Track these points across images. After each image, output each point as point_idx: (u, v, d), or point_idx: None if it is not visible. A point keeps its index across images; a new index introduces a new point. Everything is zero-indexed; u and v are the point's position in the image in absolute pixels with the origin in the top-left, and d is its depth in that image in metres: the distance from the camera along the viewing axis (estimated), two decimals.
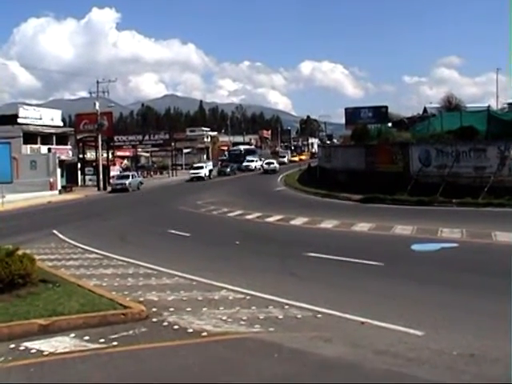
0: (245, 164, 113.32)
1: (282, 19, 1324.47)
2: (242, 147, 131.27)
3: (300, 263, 20.75)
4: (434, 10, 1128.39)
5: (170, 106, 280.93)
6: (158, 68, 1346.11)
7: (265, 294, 15.35)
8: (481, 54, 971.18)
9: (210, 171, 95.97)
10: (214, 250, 25.22)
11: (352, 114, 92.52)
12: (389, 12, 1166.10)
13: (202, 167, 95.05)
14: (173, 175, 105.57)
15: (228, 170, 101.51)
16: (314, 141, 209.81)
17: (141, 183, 79.72)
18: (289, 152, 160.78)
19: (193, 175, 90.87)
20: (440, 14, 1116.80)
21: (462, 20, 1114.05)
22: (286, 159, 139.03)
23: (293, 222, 33.93)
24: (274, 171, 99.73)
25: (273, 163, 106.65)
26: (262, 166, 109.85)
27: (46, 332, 12.09)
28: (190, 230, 32.09)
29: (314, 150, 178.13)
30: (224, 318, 13.09)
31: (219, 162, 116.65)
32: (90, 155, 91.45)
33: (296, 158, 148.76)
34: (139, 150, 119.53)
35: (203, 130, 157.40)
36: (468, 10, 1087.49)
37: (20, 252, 15.47)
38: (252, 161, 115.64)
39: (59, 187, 75.02)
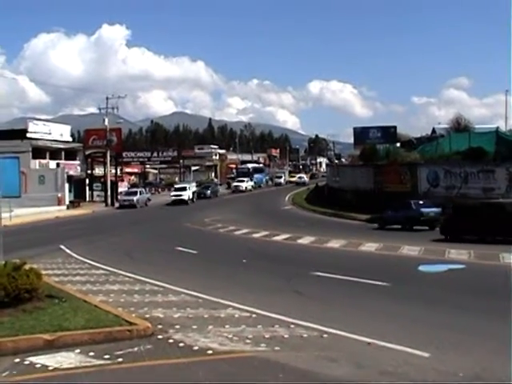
0: (235, 184, 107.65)
1: (291, 38, 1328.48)
2: (250, 165, 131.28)
3: (306, 282, 20.72)
4: (443, 31, 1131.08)
5: (178, 123, 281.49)
6: (167, 85, 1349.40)
7: (271, 312, 15.30)
8: (490, 76, 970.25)
9: (194, 193, 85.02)
10: (220, 268, 25.21)
11: (361, 133, 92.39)
12: (398, 32, 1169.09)
13: (185, 188, 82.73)
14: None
15: (208, 191, 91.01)
16: (323, 160, 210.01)
17: (148, 200, 79.81)
18: (286, 172, 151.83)
19: (174, 198, 78.96)
20: (449, 34, 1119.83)
21: (470, 41, 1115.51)
22: (282, 180, 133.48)
23: (300, 241, 33.95)
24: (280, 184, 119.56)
25: (281, 177, 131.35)
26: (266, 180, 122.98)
27: (51, 347, 12.06)
28: (196, 247, 32.09)
29: (314, 171, 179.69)
30: (230, 336, 13.04)
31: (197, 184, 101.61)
32: (98, 171, 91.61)
33: (294, 179, 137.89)
34: (147, 166, 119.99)
35: (212, 148, 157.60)
36: (477, 32, 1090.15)
37: (27, 266, 15.47)
38: (243, 181, 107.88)
39: (67, 202, 75.22)
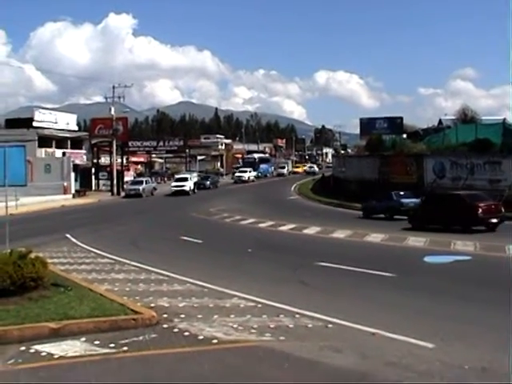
0: (237, 174, 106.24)
1: (297, 28, 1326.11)
2: (256, 155, 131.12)
3: (312, 272, 20.73)
4: (449, 22, 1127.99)
5: (184, 112, 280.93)
6: (173, 74, 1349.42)
7: (276, 302, 15.31)
8: (496, 67, 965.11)
9: (196, 184, 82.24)
10: (226, 258, 25.24)
11: (367, 124, 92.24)
12: (405, 23, 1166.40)
13: (186, 179, 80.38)
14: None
15: (208, 182, 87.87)
16: (329, 150, 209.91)
17: (154, 189, 79.90)
18: (289, 162, 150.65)
19: (176, 188, 76.33)
20: (455, 25, 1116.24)
21: (477, 32, 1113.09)
22: (285, 170, 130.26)
23: (306, 231, 33.97)
24: (282, 175, 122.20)
25: (284, 167, 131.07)
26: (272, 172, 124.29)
27: (56, 335, 12.09)
28: (202, 236, 32.15)
29: (320, 161, 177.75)
30: (235, 325, 13.06)
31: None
32: (104, 160, 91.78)
33: (299, 170, 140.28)
34: (153, 155, 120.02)
35: (218, 138, 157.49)
36: (484, 22, 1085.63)
37: (32, 255, 15.49)
38: (245, 171, 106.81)
39: (73, 191, 75.40)
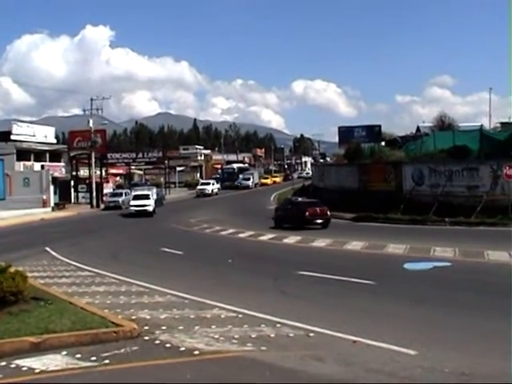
0: (199, 188, 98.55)
1: (274, 37, 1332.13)
2: (235, 165, 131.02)
3: (292, 282, 20.75)
4: (426, 30, 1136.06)
5: (163, 123, 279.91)
6: (151, 86, 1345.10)
7: (257, 312, 15.33)
8: (473, 74, 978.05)
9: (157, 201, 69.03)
10: (206, 268, 25.20)
11: (345, 132, 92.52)
12: (380, 31, 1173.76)
13: (147, 196, 65.25)
14: (166, 193, 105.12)
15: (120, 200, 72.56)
16: (308, 159, 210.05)
17: None
18: (255, 174, 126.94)
19: (136, 209, 62.17)
20: (432, 33, 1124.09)
21: (454, 39, 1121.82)
22: (250, 182, 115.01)
23: (286, 241, 34.01)
24: (247, 187, 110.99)
25: (248, 179, 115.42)
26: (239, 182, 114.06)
27: (37, 350, 12.03)
28: (182, 248, 32.09)
29: (288, 171, 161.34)
30: (216, 336, 13.06)
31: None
32: (83, 172, 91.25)
33: (268, 181, 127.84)
34: (132, 167, 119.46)
35: (197, 148, 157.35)
36: (460, 30, 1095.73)
37: (12, 269, 15.42)
38: (208, 184, 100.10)
39: (52, 204, 74.88)
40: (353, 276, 20.41)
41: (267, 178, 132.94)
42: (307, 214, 40.45)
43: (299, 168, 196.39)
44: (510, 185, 37.52)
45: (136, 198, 63.31)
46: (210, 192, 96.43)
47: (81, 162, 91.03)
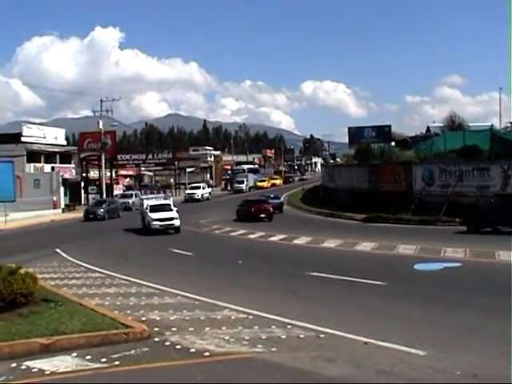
0: (187, 192, 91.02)
1: (283, 38, 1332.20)
2: (245, 166, 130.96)
3: (303, 283, 20.72)
4: (434, 30, 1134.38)
5: (173, 125, 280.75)
6: (160, 87, 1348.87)
7: (267, 313, 15.30)
8: (483, 73, 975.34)
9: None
10: (216, 270, 25.20)
11: (355, 133, 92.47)
12: (389, 31, 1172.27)
13: (100, 203, 64.22)
14: (176, 194, 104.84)
15: (101, 211, 61.80)
16: (318, 160, 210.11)
17: None
18: (251, 176, 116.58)
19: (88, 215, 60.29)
20: (441, 33, 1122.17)
21: (463, 39, 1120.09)
22: (243, 186, 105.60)
23: (296, 242, 33.96)
24: (241, 191, 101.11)
25: (242, 182, 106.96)
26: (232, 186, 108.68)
27: (47, 351, 12.04)
28: (192, 249, 32.08)
29: (291, 173, 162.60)
30: (226, 337, 13.04)
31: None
32: (93, 174, 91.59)
33: (265, 184, 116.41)
34: (142, 168, 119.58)
35: (206, 150, 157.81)
36: (469, 29, 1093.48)
37: (22, 271, 15.44)
38: (198, 188, 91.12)
39: (62, 206, 75.03)
40: (363, 277, 20.35)
41: (264, 181, 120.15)
42: (252, 209, 51.07)
43: (309, 169, 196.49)
44: None
45: (154, 209, 45.71)
46: (199, 197, 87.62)
47: (91, 164, 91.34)
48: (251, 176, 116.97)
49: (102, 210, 61.38)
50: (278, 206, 59.60)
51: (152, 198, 52.10)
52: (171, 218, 44.18)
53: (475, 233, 33.18)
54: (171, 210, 45.78)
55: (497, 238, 30.85)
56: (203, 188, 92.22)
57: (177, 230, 43.97)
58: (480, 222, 34.60)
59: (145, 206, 46.78)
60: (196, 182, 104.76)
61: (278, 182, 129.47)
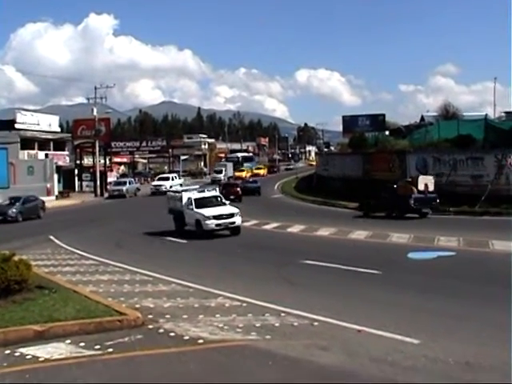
0: (154, 183, 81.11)
1: (277, 26, 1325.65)
2: (239, 154, 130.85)
3: (297, 271, 20.76)
4: (429, 18, 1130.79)
5: (167, 112, 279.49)
6: (155, 74, 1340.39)
7: (261, 301, 15.33)
8: (477, 63, 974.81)
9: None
10: (210, 257, 25.22)
11: (349, 121, 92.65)
12: (384, 20, 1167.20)
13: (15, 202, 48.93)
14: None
15: (13, 211, 47.11)
16: (312, 148, 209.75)
17: (138, 189, 79.47)
18: (231, 165, 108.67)
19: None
20: (436, 22, 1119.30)
21: (457, 28, 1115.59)
22: (222, 176, 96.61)
23: (290, 230, 33.97)
24: (219, 181, 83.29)
25: (220, 172, 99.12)
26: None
27: (41, 338, 12.05)
28: (186, 236, 32.07)
29: (275, 161, 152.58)
30: (220, 325, 13.06)
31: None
32: (87, 161, 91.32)
33: (243, 174, 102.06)
34: (136, 156, 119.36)
35: (201, 137, 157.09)
36: (464, 19, 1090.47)
37: (16, 258, 15.43)
38: (167, 179, 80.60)
39: (56, 193, 74.81)
40: (357, 265, 20.36)
41: (242, 171, 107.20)
42: (224, 191, 51.84)
43: (303, 157, 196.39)
44: None
45: (202, 204, 34.14)
46: (167, 190, 61.37)
47: (85, 151, 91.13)
48: (230, 165, 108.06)
49: (13, 210, 47.51)
50: (255, 189, 68.14)
51: (192, 189, 39.35)
52: (231, 215, 33.08)
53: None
54: (224, 204, 34.99)
55: (490, 227, 30.92)
56: (172, 179, 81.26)
57: (236, 230, 33.05)
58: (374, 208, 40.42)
59: (184, 200, 35.46)
60: (173, 172, 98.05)
61: (262, 171, 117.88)
